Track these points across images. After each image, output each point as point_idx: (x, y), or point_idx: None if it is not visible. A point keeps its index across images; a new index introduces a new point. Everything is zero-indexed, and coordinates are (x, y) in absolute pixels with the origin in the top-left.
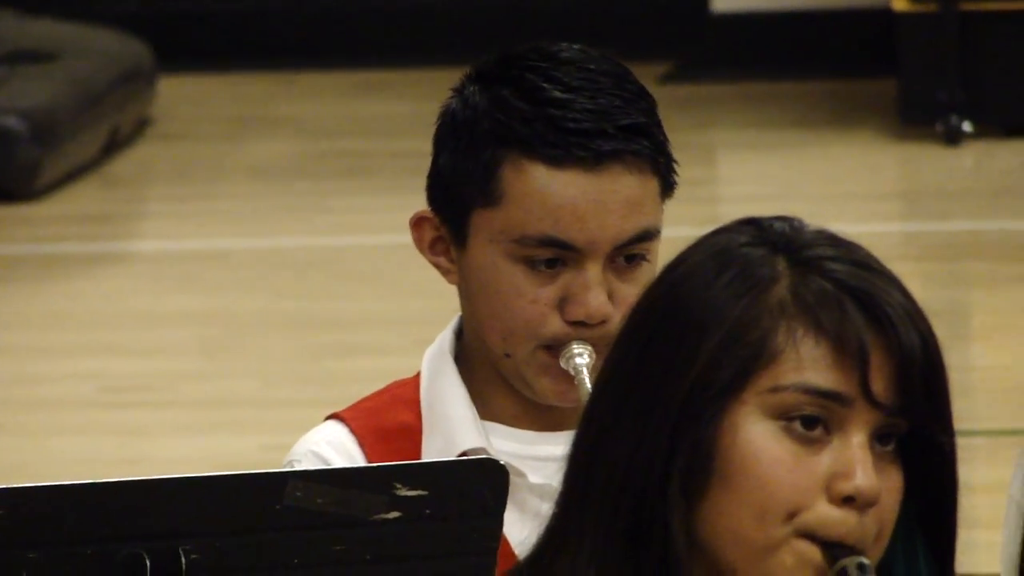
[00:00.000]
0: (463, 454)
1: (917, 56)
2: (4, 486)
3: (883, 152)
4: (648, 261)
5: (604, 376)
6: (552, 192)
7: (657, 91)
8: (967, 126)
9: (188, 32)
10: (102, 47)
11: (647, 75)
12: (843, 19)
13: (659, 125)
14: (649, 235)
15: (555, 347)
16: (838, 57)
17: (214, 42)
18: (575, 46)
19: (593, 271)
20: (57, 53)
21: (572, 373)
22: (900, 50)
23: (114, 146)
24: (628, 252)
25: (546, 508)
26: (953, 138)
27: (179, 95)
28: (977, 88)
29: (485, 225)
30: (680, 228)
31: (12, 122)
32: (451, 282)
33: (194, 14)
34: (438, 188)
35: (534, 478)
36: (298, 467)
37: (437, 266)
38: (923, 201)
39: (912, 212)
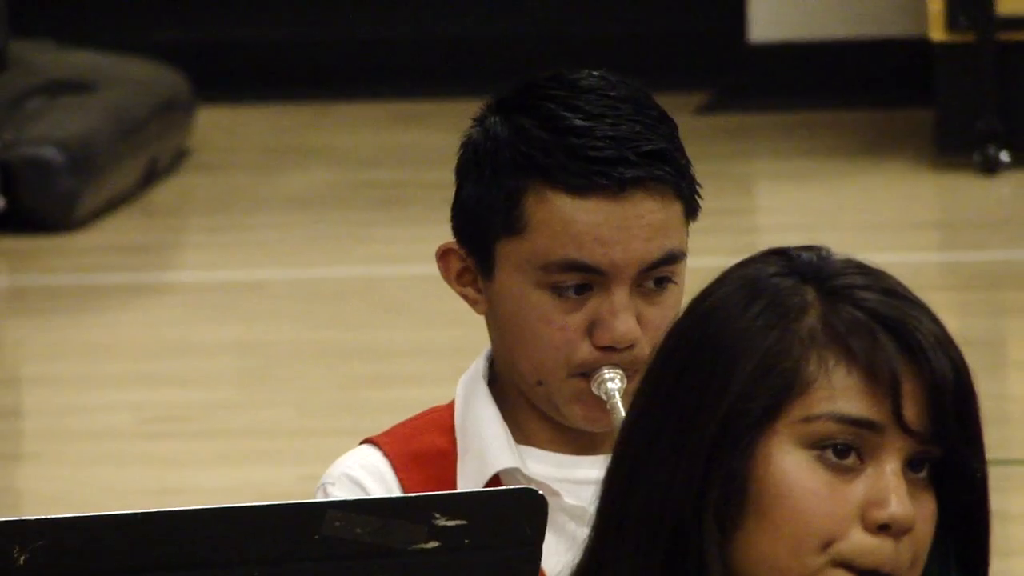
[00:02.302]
0: (497, 475)
1: (954, 86)
2: (43, 516)
3: (920, 182)
4: (675, 283)
5: (636, 407)
6: (576, 220)
7: (695, 121)
8: (1005, 156)
9: (226, 62)
10: (140, 77)
11: (685, 105)
12: (880, 49)
13: (681, 149)
14: (675, 257)
15: (586, 373)
16: (875, 87)
17: (251, 72)
18: (595, 72)
19: (620, 295)
20: (95, 84)
21: (604, 398)
22: (937, 80)
23: (152, 176)
24: (655, 275)
25: (581, 531)
26: (990, 168)
27: (217, 125)
28: (1015, 118)
29: (511, 254)
30: (718, 257)
31: (51, 153)
32: (479, 312)
33: (231, 44)
34: (462, 219)
35: (569, 499)
36: (331, 490)
37: (465, 297)
38: (960, 231)
39: (949, 242)
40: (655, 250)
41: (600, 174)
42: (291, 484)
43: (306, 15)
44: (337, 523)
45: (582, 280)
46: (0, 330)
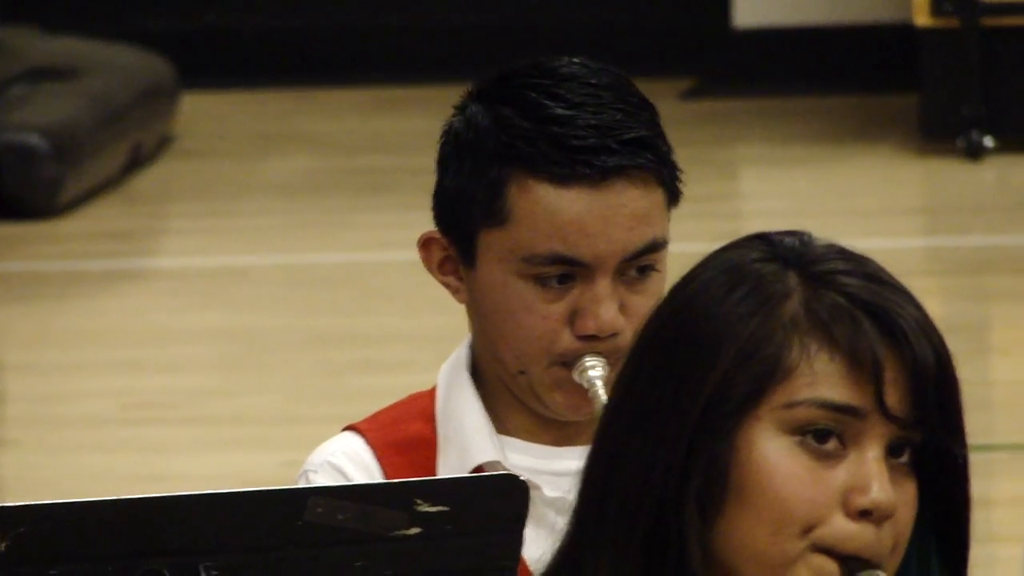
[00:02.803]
0: (478, 467)
1: (939, 71)
2: (26, 503)
3: (905, 167)
4: (658, 271)
5: (618, 393)
6: (558, 210)
7: (679, 107)
8: (989, 141)
9: (209, 49)
10: (124, 64)
11: (669, 91)
12: (865, 34)
13: (662, 136)
14: (657, 246)
15: (568, 362)
16: (860, 72)
17: (235, 59)
18: (576, 60)
19: (603, 285)
20: (79, 70)
21: (586, 386)
22: (922, 65)
23: (136, 163)
24: (638, 264)
25: (562, 522)
26: (975, 153)
27: (200, 112)
28: (999, 103)
29: (493, 245)
30: (702, 243)
31: (34, 139)
32: (460, 301)
33: (215, 31)
34: (444, 209)
35: (549, 492)
36: (313, 477)
37: (447, 286)
38: (944, 216)
39: (934, 227)
40: (638, 239)
41: (582, 163)
42: (274, 470)
43: (290, 2)
44: (319, 509)
45: (565, 271)
46: None
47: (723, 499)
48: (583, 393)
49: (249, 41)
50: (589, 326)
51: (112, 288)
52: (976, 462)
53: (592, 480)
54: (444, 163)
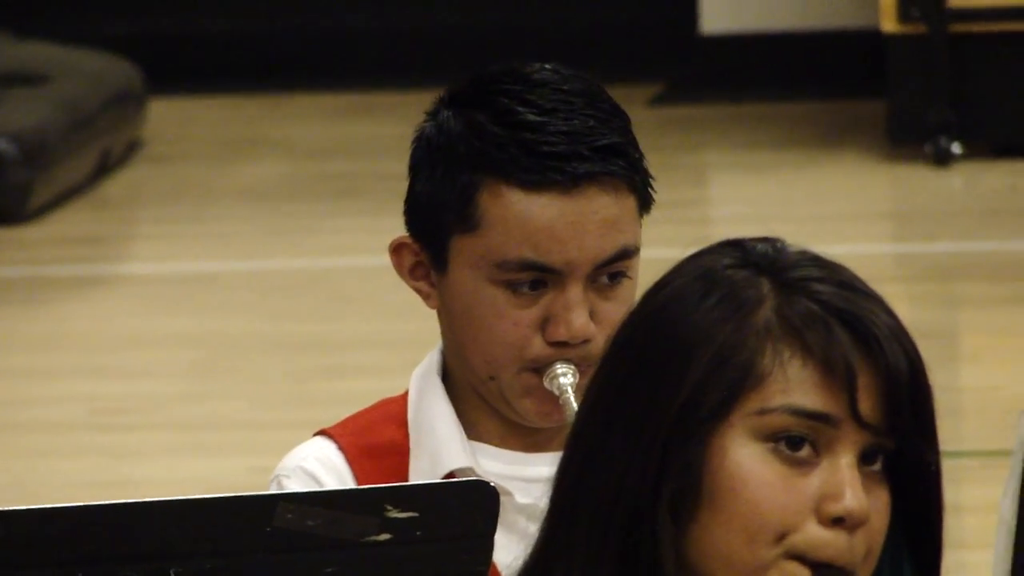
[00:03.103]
0: (449, 473)
1: (906, 77)
2: None
3: (873, 173)
4: (629, 278)
5: (589, 399)
6: (530, 216)
7: (647, 112)
8: (956, 147)
9: (178, 54)
10: (92, 69)
11: (637, 96)
12: (832, 40)
13: (634, 143)
14: (628, 253)
15: (539, 368)
16: (828, 78)
17: (204, 64)
18: (548, 66)
19: (574, 291)
20: (47, 75)
21: (556, 393)
22: (889, 71)
23: (105, 168)
24: (609, 271)
25: (533, 529)
26: (942, 159)
27: (169, 117)
28: (966, 109)
29: (465, 251)
30: (671, 249)
31: (2, 145)
32: (431, 307)
33: (184, 36)
34: (416, 214)
35: (521, 498)
36: (286, 482)
37: (418, 291)
38: (912, 222)
39: (901, 233)
40: (609, 246)
41: (554, 169)
42: (242, 476)
43: (258, 6)
44: (289, 515)
45: (536, 277)
46: None
47: (696, 505)
48: (554, 400)
49: (218, 46)
50: (560, 333)
51: (81, 293)
52: (945, 469)
53: (564, 486)
54: (416, 168)
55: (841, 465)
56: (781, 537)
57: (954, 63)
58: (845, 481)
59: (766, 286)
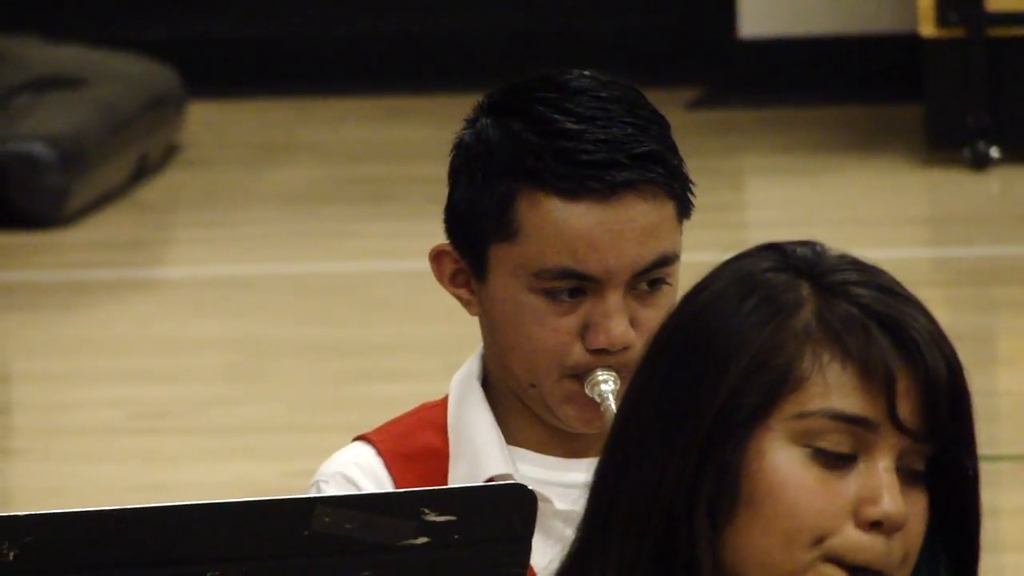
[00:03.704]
0: (489, 480)
1: (944, 81)
2: (33, 512)
3: (910, 177)
4: (669, 285)
5: (627, 403)
6: (568, 225)
7: (685, 117)
8: (994, 151)
9: (215, 58)
10: (130, 73)
11: (675, 100)
12: (870, 44)
13: (673, 148)
14: (668, 260)
15: (579, 375)
16: (865, 82)
17: (241, 68)
18: (586, 72)
19: (614, 299)
20: (84, 79)
21: (598, 400)
22: (927, 75)
23: (142, 172)
24: (648, 278)
25: (571, 534)
26: (980, 163)
27: (206, 121)
28: (1004, 113)
29: (504, 259)
30: (708, 253)
31: (40, 149)
32: (472, 313)
33: (221, 40)
34: (455, 222)
35: (560, 504)
36: (325, 488)
37: (458, 298)
38: (950, 226)
39: (939, 238)
40: (648, 254)
41: (592, 177)
42: (279, 480)
43: (295, 11)
44: (326, 519)
45: (575, 285)
46: None
47: (734, 508)
48: (595, 406)
49: (254, 50)
50: (600, 340)
51: (118, 298)
52: (982, 472)
53: (601, 488)
54: (455, 176)
55: (879, 469)
56: (819, 541)
57: (992, 67)
58: (883, 485)
59: (806, 289)
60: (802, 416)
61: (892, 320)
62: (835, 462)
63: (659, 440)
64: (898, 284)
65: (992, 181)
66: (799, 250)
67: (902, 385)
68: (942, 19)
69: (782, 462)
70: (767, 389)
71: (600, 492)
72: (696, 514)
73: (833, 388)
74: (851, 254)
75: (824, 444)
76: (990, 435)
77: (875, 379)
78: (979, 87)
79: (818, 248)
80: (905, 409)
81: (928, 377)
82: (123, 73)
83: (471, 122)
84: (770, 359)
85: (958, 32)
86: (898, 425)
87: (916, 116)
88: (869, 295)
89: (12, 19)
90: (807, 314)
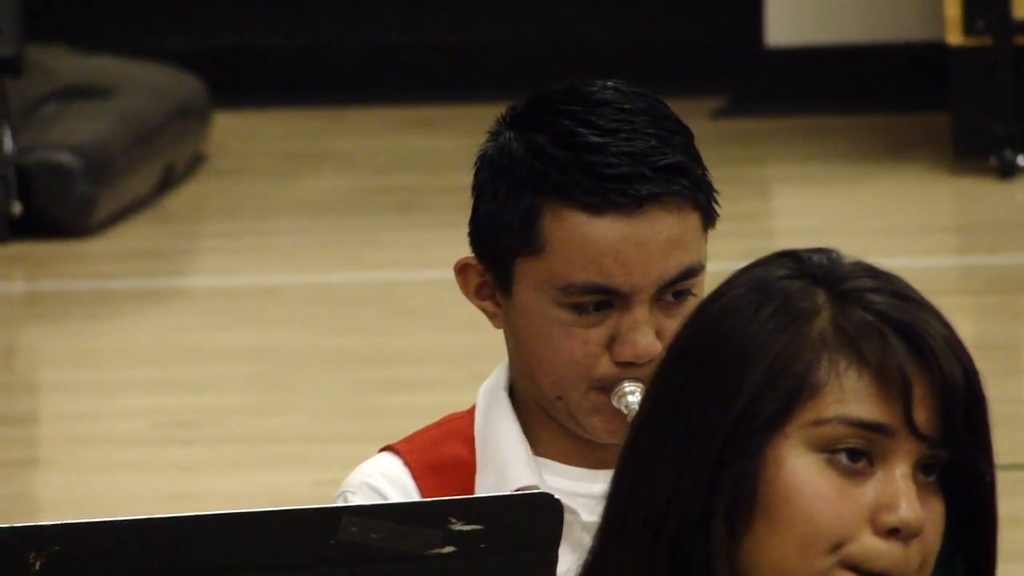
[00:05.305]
0: (515, 491)
1: (971, 90)
2: (60, 521)
3: (937, 186)
4: (695, 295)
5: (644, 411)
6: (593, 239)
7: (711, 125)
8: (1021, 160)
9: (241, 68)
10: (156, 83)
11: (701, 109)
12: (897, 53)
13: (697, 159)
14: (693, 271)
15: (606, 387)
16: (892, 91)
17: (267, 78)
18: (609, 84)
19: (640, 311)
20: (111, 89)
21: (625, 411)
22: (954, 84)
23: (168, 182)
24: (674, 289)
25: None
26: (1007, 172)
27: (232, 131)
28: None
29: (529, 273)
30: (734, 262)
31: (66, 158)
32: (497, 326)
33: (247, 50)
34: (480, 236)
35: (586, 516)
36: (352, 499)
37: (484, 311)
38: (977, 235)
39: (966, 246)
40: (673, 266)
41: (616, 191)
42: (305, 489)
43: (321, 21)
44: (353, 528)
45: (602, 299)
46: (16, 336)
47: (751, 516)
48: (622, 418)
49: (280, 60)
50: (627, 353)
51: (143, 307)
52: (1004, 481)
53: (617, 495)
54: (479, 190)
55: (896, 475)
56: (836, 547)
57: (1019, 75)
58: (900, 491)
59: (822, 297)
60: (819, 423)
61: (908, 326)
62: (852, 469)
63: (675, 448)
64: (913, 290)
65: (1019, 189)
66: (814, 257)
67: (918, 391)
68: (969, 28)
69: (799, 469)
70: (784, 397)
71: (616, 500)
72: (713, 522)
73: (850, 395)
74: (866, 261)
75: (843, 452)
76: (1013, 443)
77: (891, 385)
78: (1006, 96)
79: (833, 255)
80: (921, 415)
81: (944, 383)
82: (149, 83)
83: (494, 135)
84: (787, 367)
85: (985, 41)
86: (915, 431)
87: (943, 125)
88: (885, 302)
89: (40, 29)
90: (823, 321)
